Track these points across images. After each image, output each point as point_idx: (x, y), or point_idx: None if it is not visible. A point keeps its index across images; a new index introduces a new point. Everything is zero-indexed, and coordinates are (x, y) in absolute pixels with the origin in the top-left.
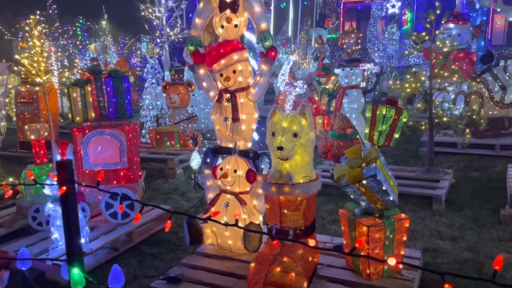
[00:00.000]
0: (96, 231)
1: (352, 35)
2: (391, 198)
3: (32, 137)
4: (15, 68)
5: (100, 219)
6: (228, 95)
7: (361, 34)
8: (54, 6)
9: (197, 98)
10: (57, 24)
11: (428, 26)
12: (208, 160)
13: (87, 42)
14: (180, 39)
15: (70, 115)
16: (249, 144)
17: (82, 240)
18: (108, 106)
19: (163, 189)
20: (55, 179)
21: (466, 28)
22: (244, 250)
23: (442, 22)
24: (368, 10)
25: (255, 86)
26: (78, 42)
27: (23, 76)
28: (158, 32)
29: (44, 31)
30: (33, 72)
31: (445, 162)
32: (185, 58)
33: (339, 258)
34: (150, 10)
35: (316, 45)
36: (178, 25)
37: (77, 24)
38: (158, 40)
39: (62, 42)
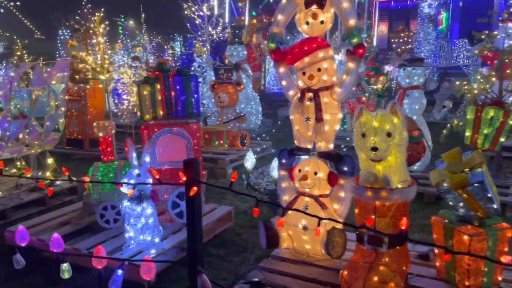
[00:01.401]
0: (164, 230)
1: (402, 34)
2: (494, 206)
3: (100, 134)
4: (80, 65)
5: (165, 218)
6: (311, 94)
7: (411, 33)
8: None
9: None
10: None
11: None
12: (283, 161)
13: (128, 41)
14: (221, 38)
15: (138, 113)
16: (331, 146)
17: (157, 240)
18: (176, 104)
19: (216, 189)
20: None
21: None
22: (323, 255)
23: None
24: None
25: (340, 85)
26: (119, 41)
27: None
28: (199, 31)
29: (107, 28)
30: (98, 69)
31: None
32: (228, 58)
33: (428, 267)
34: (193, 9)
35: (365, 43)
36: (220, 24)
37: (118, 23)
38: (200, 39)
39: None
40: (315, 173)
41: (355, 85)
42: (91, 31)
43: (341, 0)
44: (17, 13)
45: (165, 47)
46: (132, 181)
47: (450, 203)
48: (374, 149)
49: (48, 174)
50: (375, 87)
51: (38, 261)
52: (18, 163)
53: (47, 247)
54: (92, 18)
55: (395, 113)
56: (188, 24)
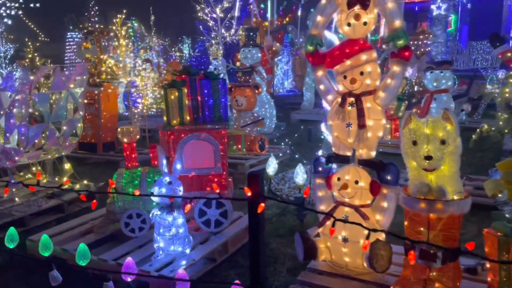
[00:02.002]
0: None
1: (421, 36)
2: None
3: (125, 140)
4: (102, 69)
5: (191, 226)
6: (352, 99)
7: (431, 36)
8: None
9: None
10: (129, 25)
11: None
12: (320, 169)
13: (140, 43)
14: (234, 40)
15: (165, 118)
16: (373, 153)
17: (187, 251)
18: (203, 108)
19: (236, 195)
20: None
21: None
22: (364, 269)
23: None
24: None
25: (384, 89)
26: (130, 44)
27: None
28: (213, 33)
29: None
30: (120, 73)
31: None
32: (242, 60)
33: (477, 282)
34: (206, 11)
35: (384, 46)
36: (234, 26)
37: (129, 25)
38: (214, 42)
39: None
40: (356, 182)
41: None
42: (105, 33)
43: (385, 0)
44: (22, 16)
45: (172, 49)
46: (164, 190)
47: (507, 215)
48: (428, 158)
49: (65, 179)
50: None
51: (61, 272)
52: (34, 169)
53: (71, 257)
54: (114, 20)
55: (448, 119)
56: (200, 27)
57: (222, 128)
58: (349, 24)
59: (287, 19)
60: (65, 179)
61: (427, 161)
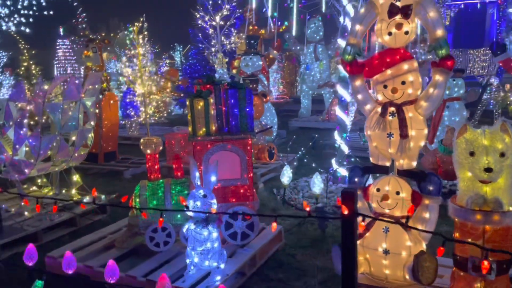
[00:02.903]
0: None
1: (422, 45)
2: None
3: (148, 151)
4: (117, 78)
5: None
6: (393, 109)
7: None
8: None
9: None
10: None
11: None
12: (356, 179)
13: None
14: (233, 48)
15: (190, 129)
16: (414, 163)
17: (222, 266)
18: (229, 118)
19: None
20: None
21: None
22: (405, 281)
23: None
24: None
25: (427, 98)
26: (127, 51)
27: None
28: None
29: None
30: (138, 82)
31: None
32: (242, 68)
33: None
34: (206, 18)
35: None
36: (234, 34)
37: (126, 32)
38: (213, 49)
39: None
40: (397, 193)
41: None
42: (107, 41)
43: (427, 9)
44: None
45: (163, 56)
46: (199, 203)
47: None
48: (489, 170)
49: (73, 192)
50: None
51: None
52: (39, 180)
53: (96, 274)
54: (132, 28)
55: (506, 131)
56: (200, 34)
57: (248, 138)
58: (390, 33)
59: (284, 27)
60: (74, 191)
61: (486, 173)
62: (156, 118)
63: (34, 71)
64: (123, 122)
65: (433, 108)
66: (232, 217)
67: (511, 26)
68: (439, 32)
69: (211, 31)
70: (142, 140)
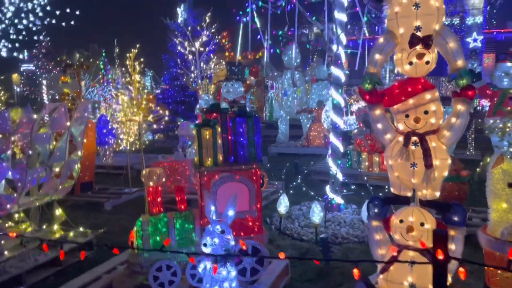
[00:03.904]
0: None
1: None
2: None
3: (150, 183)
4: (115, 105)
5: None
6: (416, 138)
7: None
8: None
9: None
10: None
11: None
12: (376, 210)
13: (110, 76)
14: (210, 74)
15: (197, 159)
16: (437, 194)
17: None
18: (237, 148)
19: None
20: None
21: None
22: None
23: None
24: None
25: (449, 128)
26: (100, 76)
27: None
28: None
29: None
30: (134, 110)
31: None
32: (223, 95)
33: None
34: (185, 45)
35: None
36: (214, 59)
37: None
38: (193, 75)
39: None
40: (422, 224)
41: (360, 122)
42: (85, 67)
43: (447, 39)
44: None
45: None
46: (216, 240)
47: None
48: None
49: (56, 227)
50: None
51: None
52: (17, 216)
53: None
54: (128, 55)
55: None
56: (178, 60)
57: (257, 168)
58: (411, 63)
59: (260, 53)
60: (56, 226)
61: None
62: (138, 146)
63: (3, 98)
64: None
65: (456, 138)
66: (241, 252)
67: (469, 55)
68: (460, 63)
69: (190, 57)
70: (143, 171)
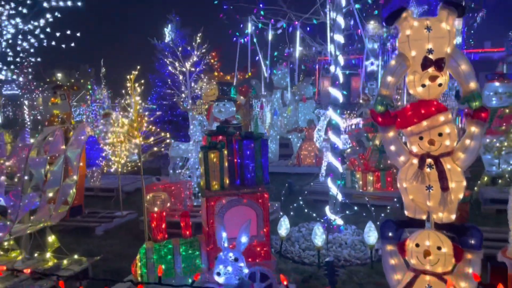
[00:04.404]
0: None
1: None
2: None
3: (155, 209)
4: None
5: None
6: (431, 161)
7: (400, 91)
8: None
9: None
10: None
11: None
12: (390, 234)
13: (97, 96)
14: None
15: (203, 182)
16: (453, 217)
17: None
18: (244, 171)
19: None
20: None
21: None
22: None
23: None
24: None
25: (464, 150)
26: (88, 97)
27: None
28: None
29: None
30: (135, 133)
31: None
32: (215, 114)
33: None
34: (176, 65)
35: (361, 101)
36: (205, 79)
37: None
38: (183, 95)
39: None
40: (439, 248)
41: (353, 141)
42: (75, 88)
43: (459, 61)
44: None
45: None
46: (230, 269)
47: None
48: None
49: (48, 255)
50: (373, 143)
51: None
52: (6, 243)
53: None
54: (129, 77)
55: None
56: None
57: (265, 192)
58: (423, 85)
59: (249, 73)
60: (48, 254)
61: None
62: (130, 168)
63: None
64: None
65: (471, 160)
66: (250, 277)
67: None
68: (472, 85)
69: (181, 77)
70: (148, 197)
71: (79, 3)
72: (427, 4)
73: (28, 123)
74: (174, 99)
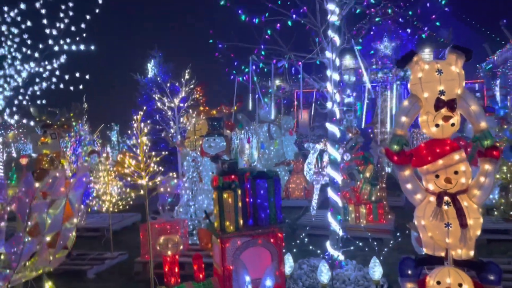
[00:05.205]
0: None
1: (377, 125)
2: None
3: (168, 252)
4: (126, 170)
5: None
6: (448, 198)
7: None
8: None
9: None
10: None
11: None
12: (409, 272)
13: (82, 133)
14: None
15: (217, 224)
16: (472, 253)
17: None
18: (259, 210)
19: None
20: None
21: (491, 120)
22: None
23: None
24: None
25: (479, 188)
26: (72, 134)
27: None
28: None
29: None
30: (143, 173)
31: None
32: (205, 150)
33: None
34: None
35: (350, 135)
36: (194, 114)
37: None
38: (172, 131)
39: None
40: (460, 285)
41: (344, 174)
42: (65, 127)
43: (469, 102)
44: None
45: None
46: None
47: None
48: None
49: None
50: (364, 175)
51: None
52: None
53: None
54: (135, 117)
55: None
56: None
57: (279, 231)
58: (437, 125)
59: (235, 107)
60: None
61: None
62: (121, 207)
63: None
64: None
65: (486, 197)
66: None
67: None
68: (483, 124)
69: (169, 113)
70: (161, 240)
71: (92, 47)
72: (399, 39)
73: (1, 160)
74: (163, 135)
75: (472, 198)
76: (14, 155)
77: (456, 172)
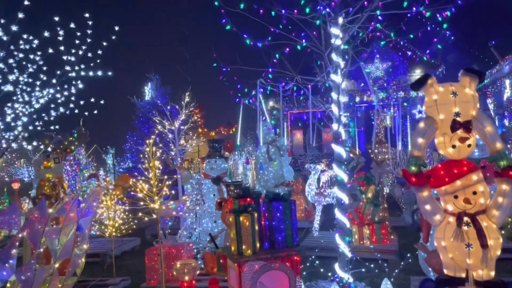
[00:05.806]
0: None
1: (382, 145)
2: None
3: (186, 278)
4: (138, 193)
5: None
6: (467, 219)
7: (387, 145)
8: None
9: None
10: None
11: None
12: None
13: (81, 157)
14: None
15: (234, 247)
16: (493, 273)
17: None
18: (276, 233)
19: None
20: None
21: None
22: None
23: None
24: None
25: (498, 208)
26: (71, 158)
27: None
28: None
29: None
30: (156, 198)
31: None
32: (206, 172)
33: None
34: (166, 123)
35: (351, 155)
36: (194, 137)
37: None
38: (173, 153)
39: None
40: None
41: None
42: (68, 151)
43: (484, 123)
44: None
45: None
46: None
47: None
48: None
49: None
50: (366, 196)
51: None
52: None
53: None
54: (147, 141)
55: None
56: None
57: (297, 254)
58: (454, 146)
59: (233, 129)
60: None
61: None
62: (124, 231)
63: None
64: None
65: (505, 217)
66: None
67: (416, 126)
68: (499, 145)
69: (170, 136)
70: (178, 265)
71: (110, 73)
72: (391, 60)
73: None
74: (163, 157)
75: (492, 219)
76: (7, 179)
77: (474, 193)
